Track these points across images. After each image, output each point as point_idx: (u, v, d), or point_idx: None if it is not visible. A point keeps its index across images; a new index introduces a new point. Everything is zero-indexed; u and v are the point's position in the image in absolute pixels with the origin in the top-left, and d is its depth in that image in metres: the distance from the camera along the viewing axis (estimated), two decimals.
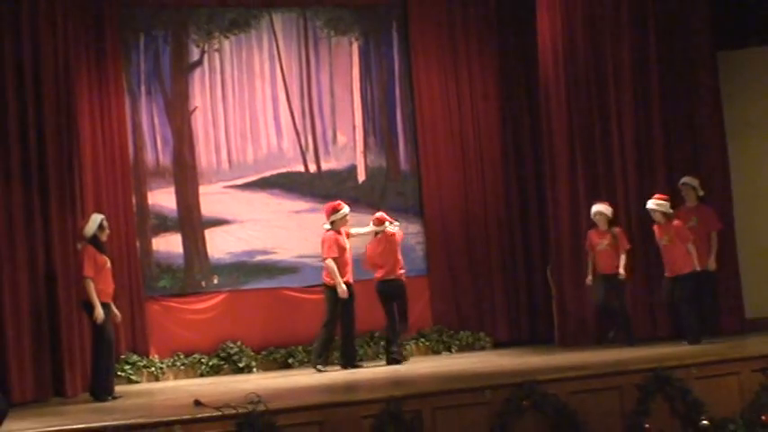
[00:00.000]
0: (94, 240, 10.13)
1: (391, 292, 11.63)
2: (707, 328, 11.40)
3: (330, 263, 11.31)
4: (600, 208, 11.85)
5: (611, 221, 11.87)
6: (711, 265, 11.60)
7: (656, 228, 11.53)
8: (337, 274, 11.27)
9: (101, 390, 9.94)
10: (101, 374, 10.03)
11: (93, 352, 10.16)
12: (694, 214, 11.68)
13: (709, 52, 12.62)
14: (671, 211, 11.45)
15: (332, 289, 11.38)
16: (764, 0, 12.65)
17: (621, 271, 11.60)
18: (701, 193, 11.80)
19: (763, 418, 8.95)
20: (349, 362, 11.38)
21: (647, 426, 8.65)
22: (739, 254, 12.45)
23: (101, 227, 10.19)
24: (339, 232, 11.50)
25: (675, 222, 11.39)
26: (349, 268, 11.51)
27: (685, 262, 11.33)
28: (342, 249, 11.45)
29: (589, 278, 11.88)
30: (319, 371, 11.19)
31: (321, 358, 11.37)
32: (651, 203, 11.46)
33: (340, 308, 11.39)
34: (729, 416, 8.88)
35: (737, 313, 12.28)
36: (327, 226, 11.53)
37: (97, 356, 10.06)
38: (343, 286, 11.25)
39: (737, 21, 12.77)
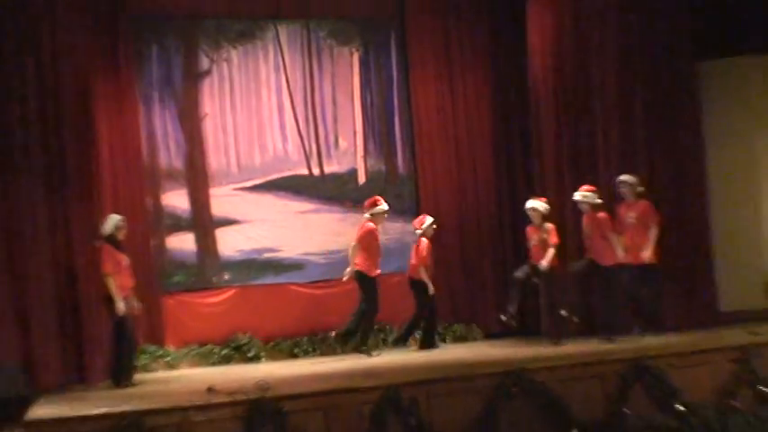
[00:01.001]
0: (111, 239, 10.22)
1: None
2: (644, 321, 11.27)
3: (356, 246, 11.51)
4: (534, 204, 11.66)
5: (546, 218, 11.63)
6: (646, 257, 11.28)
7: (583, 218, 11.54)
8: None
9: (121, 377, 10.06)
10: (121, 363, 10.14)
11: (113, 342, 10.22)
12: (633, 210, 11.44)
13: (690, 62, 12.62)
14: (599, 201, 11.40)
15: (366, 277, 11.51)
16: (742, 13, 12.55)
17: (543, 263, 11.35)
18: (640, 189, 11.52)
19: (734, 403, 9.05)
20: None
21: (626, 411, 8.72)
22: (715, 252, 12.51)
23: (117, 226, 10.26)
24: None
25: (600, 214, 11.36)
26: (379, 260, 11.71)
27: (606, 254, 11.30)
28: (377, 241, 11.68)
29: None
30: (375, 356, 11.36)
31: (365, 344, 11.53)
32: (577, 195, 11.45)
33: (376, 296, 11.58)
34: (703, 401, 8.92)
35: (712, 307, 12.32)
36: (367, 216, 11.75)
37: (118, 347, 10.15)
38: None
39: (717, 32, 12.70)
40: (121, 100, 12.25)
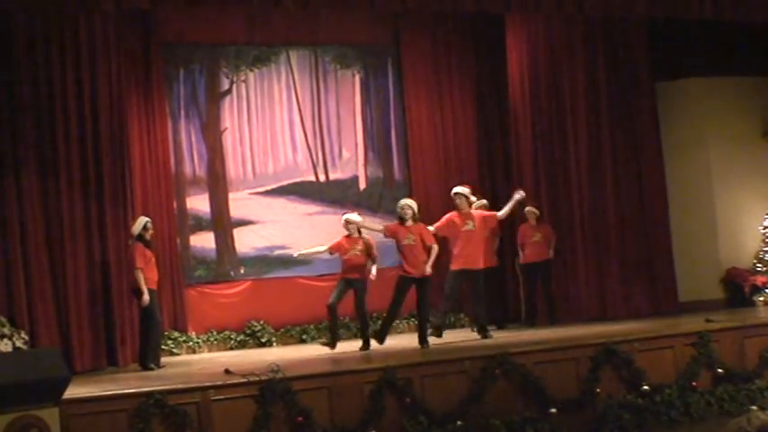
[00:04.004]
0: (141, 238, 10.08)
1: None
2: (484, 321, 10.60)
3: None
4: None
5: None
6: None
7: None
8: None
9: (148, 360, 9.88)
10: (148, 347, 9.96)
11: (141, 329, 10.11)
12: (470, 219, 10.45)
13: (649, 83, 12.59)
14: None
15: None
16: (692, 41, 12.58)
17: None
18: (474, 199, 10.72)
19: (694, 383, 8.93)
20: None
21: (598, 390, 8.61)
22: (674, 249, 12.42)
23: (145, 227, 10.12)
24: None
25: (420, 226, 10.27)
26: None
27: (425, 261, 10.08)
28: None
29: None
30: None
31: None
32: (403, 202, 10.37)
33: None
34: (666, 382, 8.85)
35: (672, 297, 12.26)
36: None
37: (145, 333, 10.00)
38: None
39: (673, 56, 12.76)
40: (152, 116, 12.22)
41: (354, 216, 10.68)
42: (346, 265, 10.47)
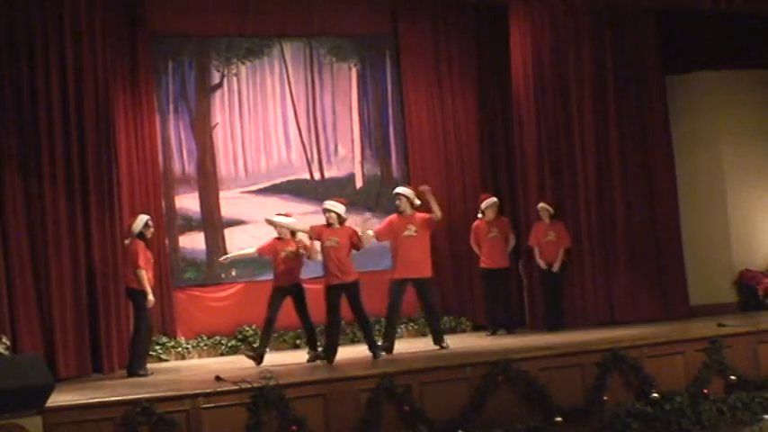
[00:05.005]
0: (141, 236, 10.10)
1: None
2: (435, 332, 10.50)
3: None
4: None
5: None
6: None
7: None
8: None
9: (137, 366, 9.86)
10: (136, 352, 9.95)
11: (134, 333, 10.08)
12: (411, 223, 10.38)
13: (659, 76, 12.59)
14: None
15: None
16: (705, 32, 12.65)
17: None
18: (417, 202, 10.45)
19: (705, 390, 8.93)
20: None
21: (605, 398, 8.62)
22: (685, 250, 12.41)
23: (146, 225, 10.15)
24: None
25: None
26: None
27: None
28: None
29: None
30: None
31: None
32: (327, 203, 10.16)
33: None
34: (676, 389, 8.85)
35: (683, 300, 12.24)
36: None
37: (137, 338, 9.98)
38: None
39: (683, 49, 12.79)
40: (140, 111, 12.16)
41: (280, 218, 10.46)
42: (278, 270, 10.32)
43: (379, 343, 10.29)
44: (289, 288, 10.33)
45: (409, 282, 10.37)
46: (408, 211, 10.33)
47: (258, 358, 10.06)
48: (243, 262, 12.51)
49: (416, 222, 10.33)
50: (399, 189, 10.57)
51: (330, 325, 9.92)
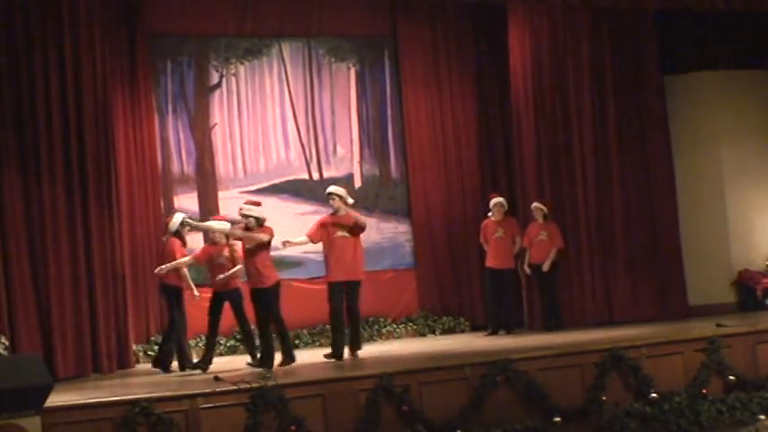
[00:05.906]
0: (178, 234, 10.20)
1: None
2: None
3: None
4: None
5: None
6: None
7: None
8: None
9: (189, 360, 9.99)
10: (169, 348, 10.11)
11: (173, 330, 10.13)
12: (344, 223, 10.01)
13: (658, 76, 12.61)
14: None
15: None
16: (705, 32, 12.66)
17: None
18: (351, 201, 10.14)
19: (704, 391, 8.93)
20: None
21: (604, 398, 8.62)
22: (683, 250, 12.42)
23: (182, 224, 10.20)
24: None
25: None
26: None
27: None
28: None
29: None
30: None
31: None
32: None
33: None
34: (675, 389, 8.86)
35: (682, 300, 12.28)
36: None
37: (182, 334, 10.08)
38: None
39: (682, 49, 12.79)
40: (138, 110, 12.18)
41: (217, 223, 10.17)
42: (213, 276, 9.99)
43: (328, 351, 10.04)
44: (223, 295, 10.00)
45: (344, 285, 9.96)
46: (342, 210, 10.03)
47: (204, 367, 9.73)
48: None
49: (349, 223, 10.02)
50: (332, 188, 10.24)
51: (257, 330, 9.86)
